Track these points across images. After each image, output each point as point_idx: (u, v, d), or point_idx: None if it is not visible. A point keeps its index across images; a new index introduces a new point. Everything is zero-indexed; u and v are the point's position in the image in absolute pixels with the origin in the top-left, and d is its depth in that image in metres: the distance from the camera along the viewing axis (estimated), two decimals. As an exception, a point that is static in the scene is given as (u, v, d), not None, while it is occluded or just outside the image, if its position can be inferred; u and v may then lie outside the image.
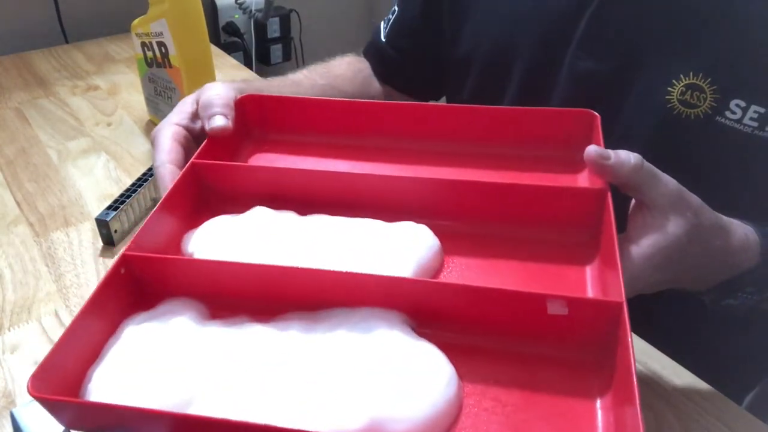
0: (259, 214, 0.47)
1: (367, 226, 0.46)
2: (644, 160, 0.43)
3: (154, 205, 0.44)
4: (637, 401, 0.30)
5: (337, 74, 0.78)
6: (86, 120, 0.95)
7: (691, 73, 0.55)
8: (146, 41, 0.85)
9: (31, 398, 0.32)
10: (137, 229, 0.42)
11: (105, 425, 0.34)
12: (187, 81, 0.84)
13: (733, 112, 0.54)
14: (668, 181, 0.43)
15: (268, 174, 0.50)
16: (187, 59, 0.83)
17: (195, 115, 0.54)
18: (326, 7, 1.87)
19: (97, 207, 0.74)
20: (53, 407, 0.33)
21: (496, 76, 0.68)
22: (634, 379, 0.31)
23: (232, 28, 1.67)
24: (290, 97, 0.58)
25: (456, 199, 0.47)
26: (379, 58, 0.81)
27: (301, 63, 1.85)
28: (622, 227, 0.43)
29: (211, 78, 0.89)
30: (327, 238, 0.44)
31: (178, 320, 0.39)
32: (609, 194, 0.43)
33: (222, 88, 0.53)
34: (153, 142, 0.51)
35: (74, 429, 0.35)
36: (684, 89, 0.55)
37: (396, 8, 0.79)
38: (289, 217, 0.47)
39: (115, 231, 0.68)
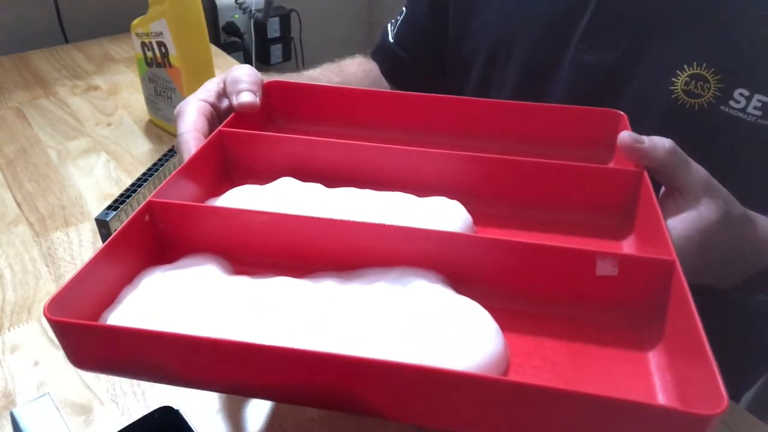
0: (286, 184, 0.46)
1: (398, 199, 0.45)
2: (677, 146, 0.43)
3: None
4: (710, 356, 0.28)
5: (350, 73, 0.78)
6: (86, 120, 0.94)
7: (694, 64, 0.55)
8: (146, 41, 0.85)
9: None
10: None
11: (122, 360, 0.32)
12: (187, 81, 0.84)
13: (737, 102, 0.54)
14: (699, 168, 0.43)
15: (298, 145, 0.49)
16: (187, 59, 0.83)
17: (221, 94, 0.53)
18: (326, 7, 1.87)
19: (97, 207, 0.74)
20: (68, 333, 0.31)
21: (498, 72, 0.69)
22: (703, 336, 0.30)
23: (232, 28, 1.67)
24: (317, 85, 0.56)
25: (489, 177, 0.45)
26: (388, 58, 0.81)
27: (301, 63, 1.85)
28: None
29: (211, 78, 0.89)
30: (355, 210, 0.43)
31: (202, 271, 0.38)
32: (645, 174, 0.43)
33: (250, 68, 0.54)
34: (177, 115, 0.51)
35: (84, 367, 0.33)
36: (688, 79, 0.55)
37: (404, 9, 0.79)
38: (316, 188, 0.46)
39: (115, 231, 0.68)
